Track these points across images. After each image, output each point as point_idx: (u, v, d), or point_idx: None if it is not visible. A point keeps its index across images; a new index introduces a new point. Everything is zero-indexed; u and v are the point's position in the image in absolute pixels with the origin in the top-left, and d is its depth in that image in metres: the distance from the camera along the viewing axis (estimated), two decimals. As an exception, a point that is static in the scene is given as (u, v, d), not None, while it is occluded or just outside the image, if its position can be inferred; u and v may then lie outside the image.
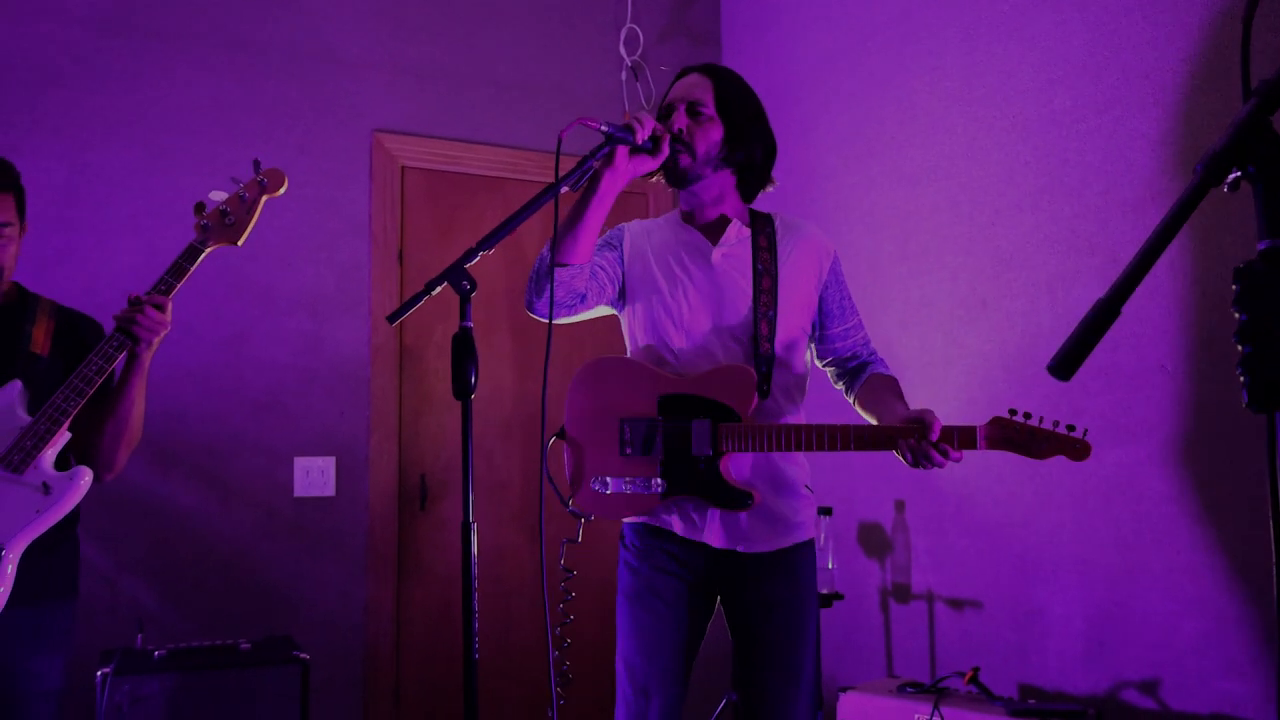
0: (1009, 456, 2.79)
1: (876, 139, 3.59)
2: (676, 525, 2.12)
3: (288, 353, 3.51)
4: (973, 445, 1.92)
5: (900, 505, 3.42)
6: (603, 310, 2.22)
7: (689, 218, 2.24)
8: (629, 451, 2.08)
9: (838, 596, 3.28)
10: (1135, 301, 2.74)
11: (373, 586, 3.56)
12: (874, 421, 2.10)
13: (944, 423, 1.93)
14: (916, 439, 1.91)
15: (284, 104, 3.57)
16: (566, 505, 2.12)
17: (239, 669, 2.79)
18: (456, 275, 1.82)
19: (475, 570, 1.69)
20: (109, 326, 2.34)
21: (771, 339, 2.10)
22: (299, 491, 3.48)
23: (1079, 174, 2.90)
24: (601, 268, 2.16)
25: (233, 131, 3.49)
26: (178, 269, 2.36)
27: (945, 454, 1.91)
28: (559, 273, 2.00)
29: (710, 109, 2.15)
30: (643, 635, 2.11)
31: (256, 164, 2.44)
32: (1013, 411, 1.93)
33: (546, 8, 4.03)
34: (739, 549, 2.11)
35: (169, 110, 3.41)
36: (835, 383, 2.30)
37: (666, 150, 2.02)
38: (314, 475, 3.49)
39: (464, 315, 1.78)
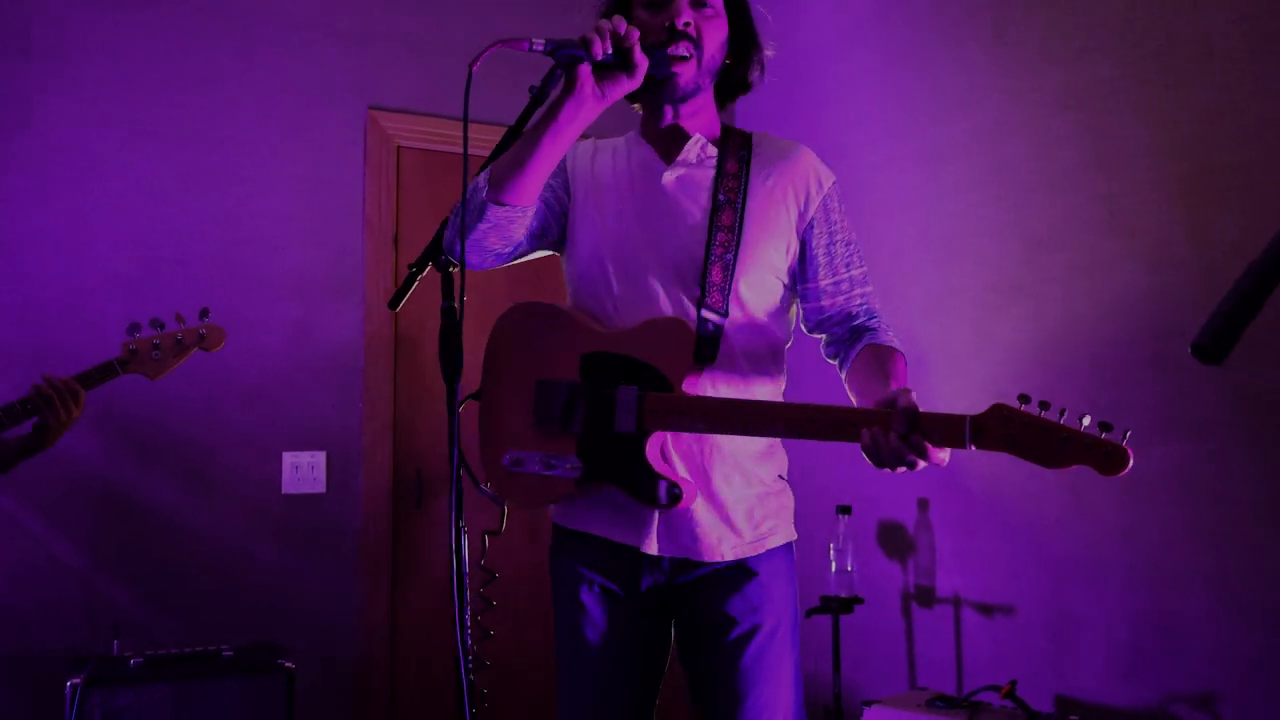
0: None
1: (898, 116, 3.39)
2: (601, 525, 1.70)
3: (277, 341, 3.32)
4: (960, 444, 1.37)
5: (924, 504, 3.22)
6: (545, 249, 1.83)
7: (648, 130, 1.80)
8: (545, 423, 1.67)
9: (858, 600, 3.09)
10: (1188, 284, 2.55)
11: (365, 589, 3.36)
12: (854, 403, 1.66)
13: (926, 409, 1.42)
14: (882, 428, 1.41)
15: (276, 78, 3.38)
16: (478, 487, 1.75)
17: (219, 678, 2.60)
18: (436, 252, 1.66)
19: (465, 580, 1.50)
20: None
21: (727, 290, 1.65)
22: (288, 488, 3.28)
23: (1122, 150, 2.70)
24: (544, 201, 1.75)
25: (222, 106, 3.30)
26: (88, 379, 2.32)
27: (920, 451, 1.38)
28: (495, 214, 1.61)
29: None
30: (575, 686, 1.73)
31: (204, 312, 2.43)
32: (1024, 399, 1.36)
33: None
34: (689, 557, 1.66)
35: (154, 82, 3.22)
36: (828, 357, 1.83)
37: (642, 61, 1.52)
38: (304, 471, 3.30)
39: (447, 294, 1.59)
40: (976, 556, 3.05)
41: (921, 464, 1.39)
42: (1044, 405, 1.36)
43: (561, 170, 1.81)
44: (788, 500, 1.78)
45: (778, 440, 1.76)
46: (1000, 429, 1.36)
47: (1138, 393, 2.62)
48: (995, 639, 2.97)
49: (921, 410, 1.40)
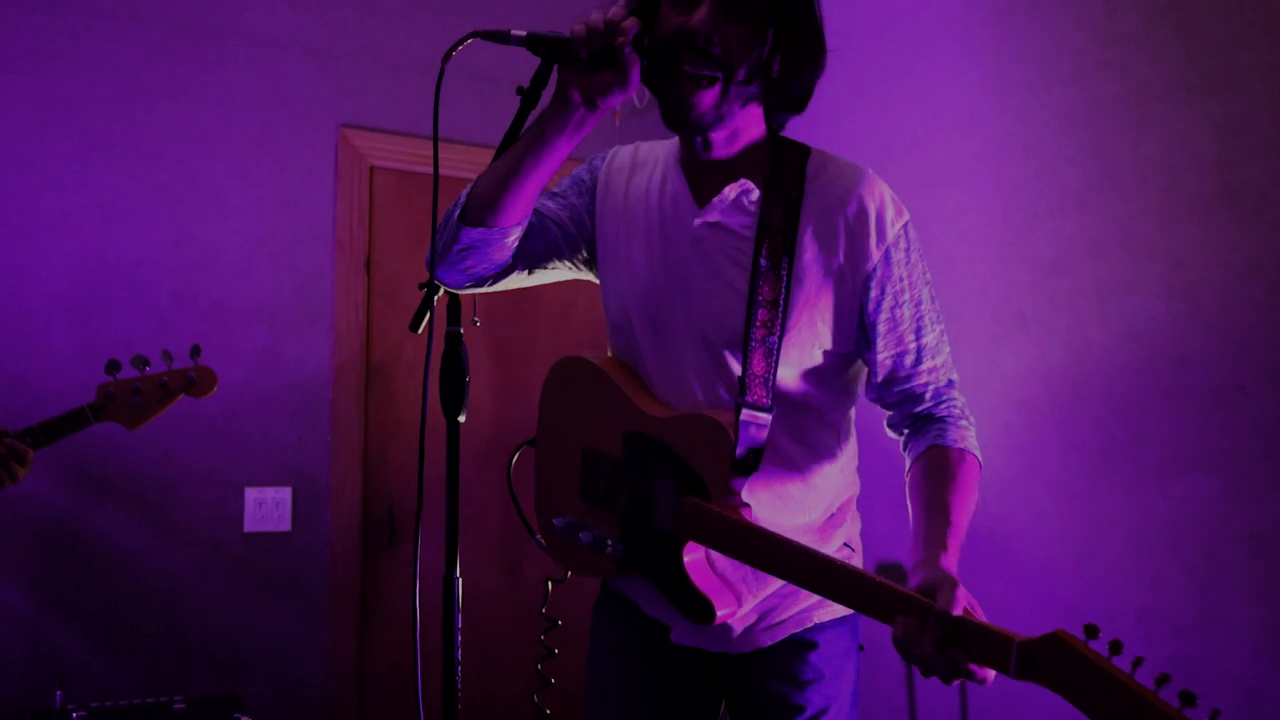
0: (1052, 487, 2.41)
1: (897, 134, 3.25)
2: (641, 595, 1.53)
3: (241, 371, 3.14)
4: (1002, 668, 1.12)
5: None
6: (564, 274, 1.57)
7: (687, 151, 1.48)
8: (591, 494, 1.50)
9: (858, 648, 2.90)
10: (1206, 312, 2.40)
11: (332, 633, 3.16)
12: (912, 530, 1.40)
13: (973, 605, 1.17)
14: (918, 623, 1.15)
15: (243, 95, 3.22)
16: (534, 538, 1.60)
17: (167, 735, 2.40)
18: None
19: (459, 635, 1.35)
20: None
21: (770, 380, 1.37)
22: (250, 526, 3.09)
23: (1134, 169, 2.56)
24: (557, 220, 1.51)
25: (185, 123, 3.13)
26: (53, 430, 2.07)
27: (958, 669, 1.13)
28: (470, 235, 1.39)
29: None
30: None
31: (195, 350, 2.17)
32: (1091, 631, 1.08)
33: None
34: (725, 651, 1.50)
35: (114, 96, 3.05)
36: (887, 430, 1.56)
37: (632, 61, 1.24)
38: (267, 507, 3.10)
39: (454, 317, 1.44)
40: (981, 601, 2.87)
41: (958, 680, 1.14)
42: (1115, 646, 1.07)
43: (589, 186, 1.55)
44: (857, 565, 1.54)
45: (849, 500, 1.56)
46: (1056, 666, 1.07)
47: (1155, 425, 2.47)
48: (1001, 688, 2.79)
49: (965, 612, 1.13)
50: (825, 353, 1.44)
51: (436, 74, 1.24)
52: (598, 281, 1.61)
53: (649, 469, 1.41)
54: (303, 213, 3.28)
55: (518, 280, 1.51)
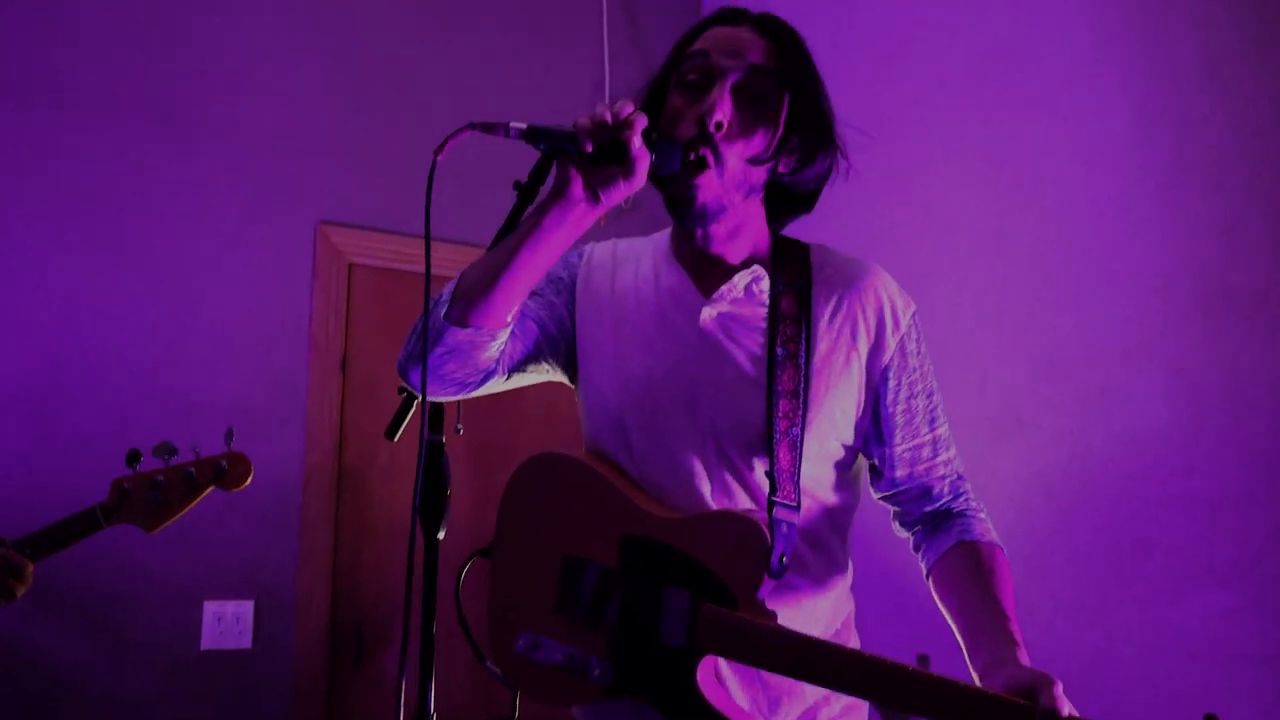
0: (1058, 598, 2.28)
1: (884, 232, 3.21)
2: None
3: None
4: None
5: (924, 660, 2.89)
6: (542, 376, 1.48)
7: (679, 246, 1.45)
8: (571, 608, 1.33)
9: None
10: (1216, 415, 2.31)
11: (294, 759, 2.95)
12: (955, 631, 1.33)
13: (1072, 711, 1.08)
14: None
15: (219, 187, 3.15)
16: (484, 663, 1.43)
17: None
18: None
19: None
20: None
21: (796, 475, 1.29)
22: (208, 643, 2.90)
23: (1130, 269, 2.50)
24: (537, 320, 1.43)
25: (157, 215, 3.05)
26: (57, 538, 1.80)
27: None
28: (455, 337, 1.29)
29: (772, 91, 1.32)
30: None
31: (229, 435, 1.90)
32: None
33: (517, 95, 3.67)
34: None
35: (82, 189, 2.97)
36: (897, 529, 1.50)
37: (642, 157, 1.19)
38: (227, 623, 2.92)
39: (435, 424, 1.35)
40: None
41: None
42: None
43: (568, 284, 1.47)
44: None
45: (850, 615, 1.45)
46: None
47: (1163, 534, 2.36)
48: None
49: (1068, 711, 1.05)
50: (843, 446, 1.38)
51: (418, 170, 1.17)
52: (571, 385, 1.52)
53: (655, 576, 1.27)
54: (277, 309, 3.18)
55: (495, 386, 1.42)
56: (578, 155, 1.20)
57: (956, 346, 2.91)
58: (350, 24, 3.42)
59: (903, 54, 3.26)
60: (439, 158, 1.17)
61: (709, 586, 1.24)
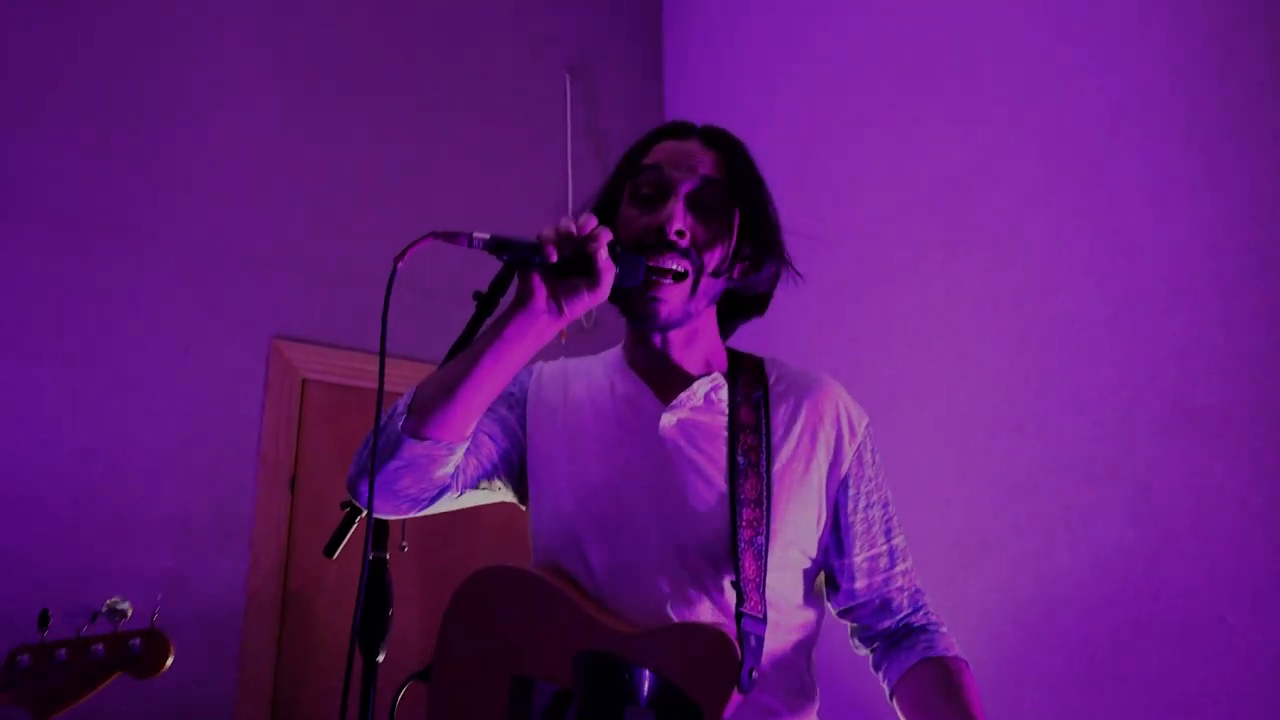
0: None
1: (844, 359, 3.21)
2: None
3: (143, 597, 2.85)
4: None
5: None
6: (494, 495, 1.43)
7: (637, 354, 1.44)
8: None
9: None
10: (1177, 538, 2.26)
11: None
12: None
13: None
14: None
15: (171, 298, 3.11)
16: None
17: None
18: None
19: None
20: None
21: (761, 585, 1.26)
22: (133, 781, 2.72)
23: (1093, 390, 2.50)
24: (490, 435, 1.38)
25: (105, 325, 2.99)
26: None
27: None
28: (411, 450, 1.23)
29: (724, 201, 1.36)
30: None
31: (154, 615, 1.68)
32: None
33: (478, 209, 3.68)
34: None
35: (29, 295, 2.90)
36: (856, 646, 1.47)
37: (607, 270, 1.20)
38: (156, 759, 2.75)
39: (374, 542, 1.30)
40: None
41: None
42: None
43: (519, 398, 1.44)
44: None
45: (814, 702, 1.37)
46: None
47: (1128, 658, 2.30)
48: None
49: None
50: (805, 556, 1.36)
51: (376, 285, 1.15)
52: (520, 504, 1.46)
53: (615, 696, 1.17)
54: (226, 425, 3.09)
55: (446, 504, 1.35)
56: (542, 266, 1.19)
57: (918, 469, 2.88)
58: (310, 135, 3.43)
59: (860, 177, 3.32)
60: (399, 264, 1.17)
61: (673, 704, 1.15)
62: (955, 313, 2.88)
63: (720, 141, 1.41)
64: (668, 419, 1.36)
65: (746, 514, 1.27)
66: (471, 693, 1.31)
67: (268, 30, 3.46)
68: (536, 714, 1.19)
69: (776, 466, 1.33)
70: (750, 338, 1.63)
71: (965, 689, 1.32)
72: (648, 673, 1.15)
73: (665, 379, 1.40)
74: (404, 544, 1.38)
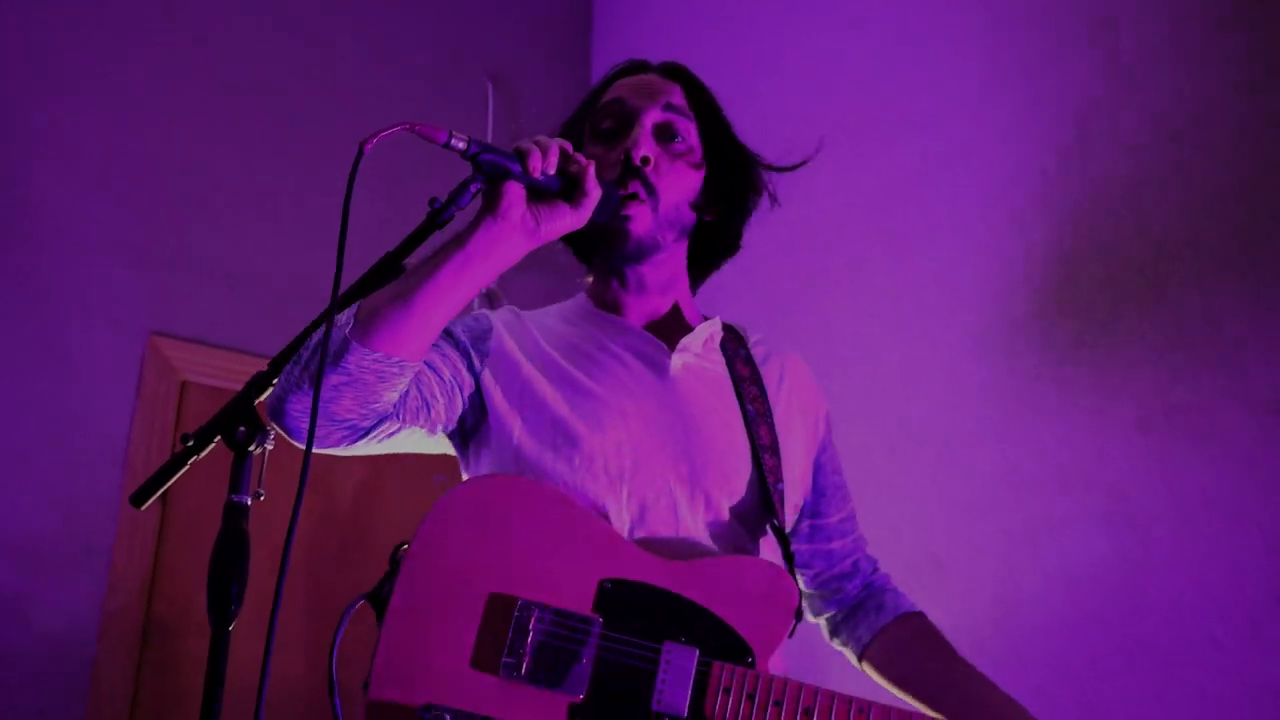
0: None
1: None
2: None
3: (-24, 622, 2.47)
4: None
5: None
6: (421, 442, 1.30)
7: (606, 299, 1.41)
8: (514, 666, 1.09)
9: None
10: (1158, 548, 2.09)
11: None
12: (919, 703, 1.28)
13: None
14: None
15: (39, 288, 2.76)
16: None
17: None
18: (236, 417, 1.07)
19: None
20: None
21: (786, 528, 1.32)
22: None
23: (1064, 390, 2.33)
24: (433, 369, 1.26)
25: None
26: None
27: None
28: (358, 361, 1.11)
29: (690, 130, 1.36)
30: None
31: None
32: None
33: (386, 213, 3.39)
34: None
35: None
36: (814, 614, 1.46)
37: (594, 191, 1.16)
38: (-22, 811, 2.34)
39: (237, 485, 1.07)
40: None
41: None
42: None
43: (464, 343, 1.32)
44: None
45: None
46: None
47: (1110, 682, 2.12)
48: None
49: None
50: (797, 510, 1.40)
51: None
52: (456, 451, 1.36)
53: (648, 629, 1.11)
54: (89, 426, 2.78)
55: (376, 440, 1.21)
56: (522, 180, 1.13)
57: (868, 482, 2.66)
58: (195, 125, 3.14)
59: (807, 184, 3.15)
60: (366, 149, 1.09)
61: (719, 641, 1.11)
62: (915, 314, 2.72)
63: (680, 74, 1.42)
64: (677, 361, 1.34)
65: (768, 461, 1.30)
66: (449, 622, 1.12)
67: (158, 18, 3.17)
68: (545, 644, 1.09)
69: (778, 419, 1.36)
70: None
71: (945, 641, 1.39)
72: (690, 605, 1.11)
73: (656, 325, 1.38)
74: (260, 491, 1.10)
